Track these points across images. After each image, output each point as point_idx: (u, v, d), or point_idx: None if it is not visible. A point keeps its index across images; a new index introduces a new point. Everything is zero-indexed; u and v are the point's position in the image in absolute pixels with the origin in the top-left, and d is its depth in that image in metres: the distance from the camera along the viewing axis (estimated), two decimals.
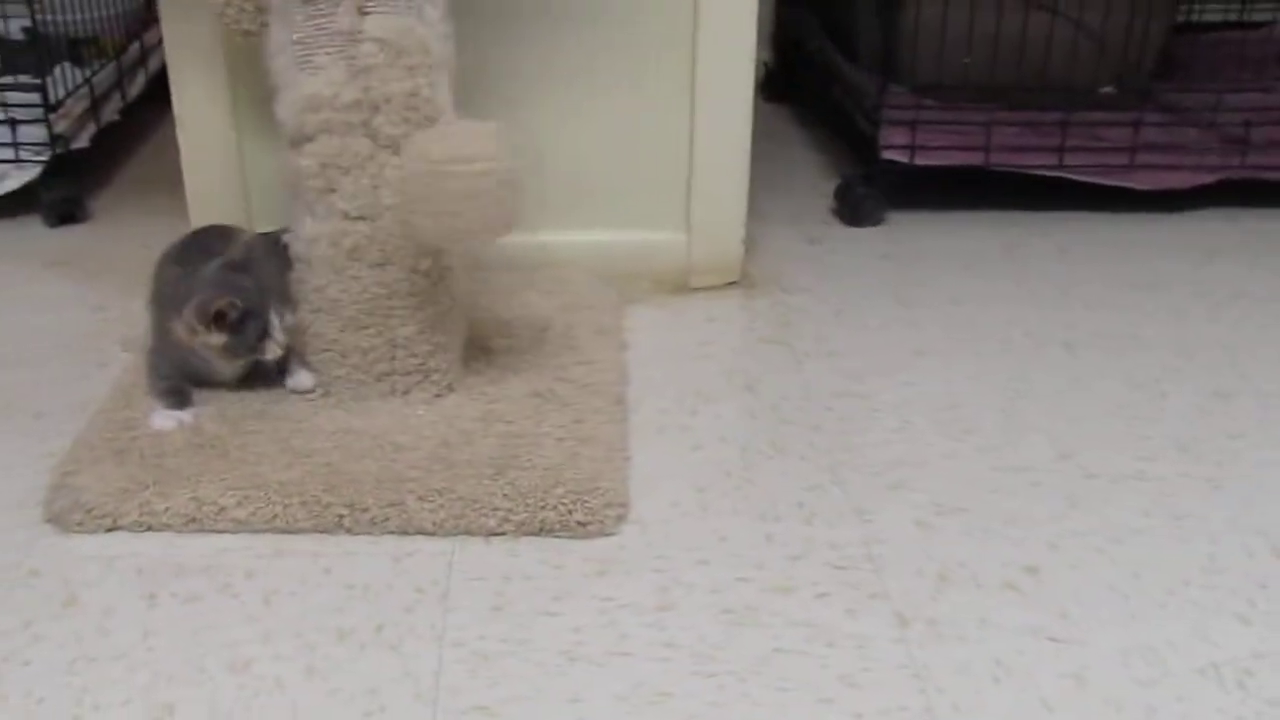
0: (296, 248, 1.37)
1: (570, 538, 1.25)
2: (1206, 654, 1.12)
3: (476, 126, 1.27)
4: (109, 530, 1.24)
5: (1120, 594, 1.19)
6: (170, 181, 1.72)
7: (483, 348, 1.53)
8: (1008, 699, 1.06)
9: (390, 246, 1.33)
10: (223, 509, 1.24)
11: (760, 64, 2.57)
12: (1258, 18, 2.56)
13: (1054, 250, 1.94)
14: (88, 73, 2.14)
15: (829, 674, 1.09)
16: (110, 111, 2.18)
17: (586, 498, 1.26)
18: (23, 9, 2.05)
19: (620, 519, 1.27)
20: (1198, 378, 1.58)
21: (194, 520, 1.24)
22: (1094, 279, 1.85)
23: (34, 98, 1.95)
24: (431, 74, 1.28)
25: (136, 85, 2.31)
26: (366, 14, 1.25)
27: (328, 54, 1.26)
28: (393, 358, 1.40)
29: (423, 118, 1.28)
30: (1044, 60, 2.03)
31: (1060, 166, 2.00)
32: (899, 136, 2.00)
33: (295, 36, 1.27)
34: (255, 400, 1.41)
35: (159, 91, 2.29)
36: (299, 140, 1.30)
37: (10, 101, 1.95)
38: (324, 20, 1.25)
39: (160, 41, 2.35)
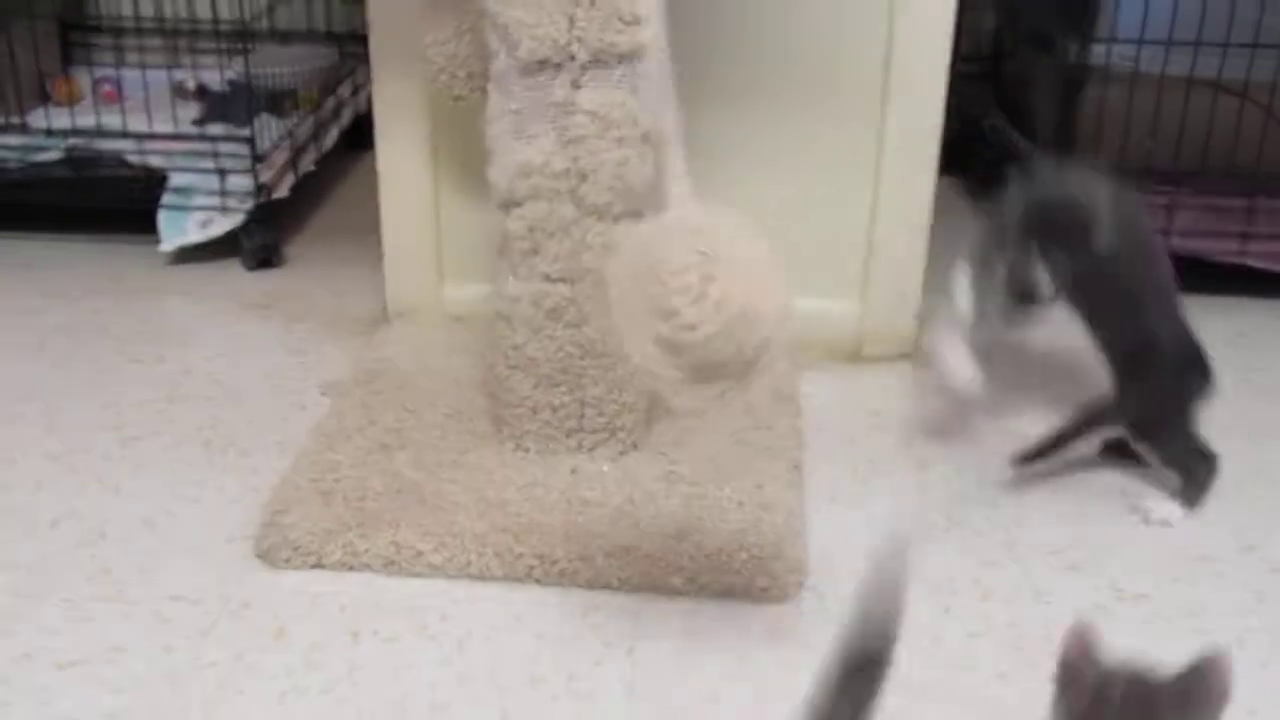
0: (499, 306, 1.43)
1: (751, 602, 1.28)
2: None
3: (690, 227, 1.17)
4: (314, 567, 1.30)
5: None
6: (359, 230, 1.81)
7: (664, 408, 1.57)
8: None
9: (588, 308, 1.38)
10: (420, 554, 1.30)
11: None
12: None
13: (1233, 335, 1.92)
14: (288, 124, 2.24)
15: None
16: (308, 162, 2.28)
17: (769, 564, 1.29)
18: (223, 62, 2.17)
19: (800, 586, 1.30)
20: None
21: (393, 563, 1.30)
22: (1273, 367, 1.83)
23: (242, 148, 2.05)
24: (640, 146, 1.33)
25: (331, 137, 2.42)
26: (580, 87, 1.31)
27: (541, 124, 1.32)
28: (582, 415, 1.44)
29: (626, 187, 1.33)
30: (1230, 144, 2.01)
31: (1243, 253, 1.98)
32: None
33: (512, 106, 1.33)
34: (450, 449, 1.46)
35: (351, 143, 2.41)
36: (508, 204, 1.36)
37: (220, 151, 2.06)
38: (540, 93, 1.31)
39: (353, 94, 2.48)
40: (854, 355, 1.81)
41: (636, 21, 1.28)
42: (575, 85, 1.31)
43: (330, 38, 2.62)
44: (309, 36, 2.58)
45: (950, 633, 1.25)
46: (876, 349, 1.82)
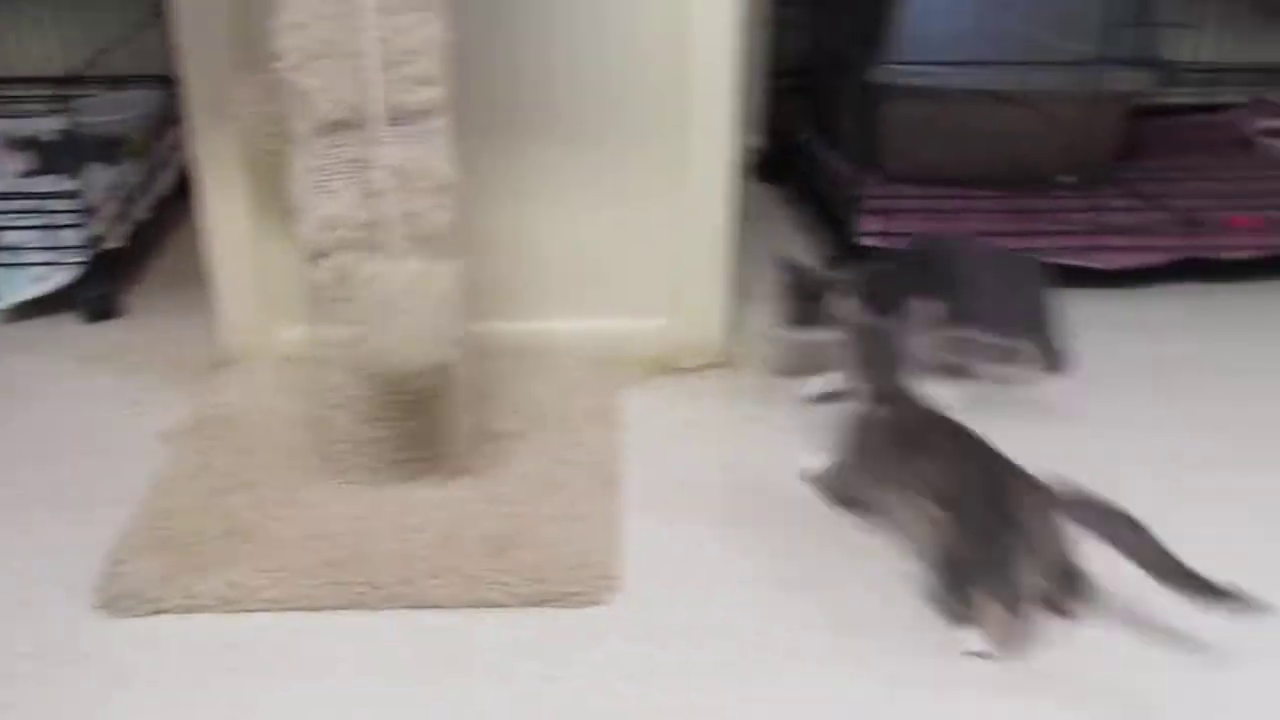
0: (317, 350, 1.52)
1: (566, 608, 1.39)
2: None
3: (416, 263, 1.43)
4: (155, 613, 1.38)
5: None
6: (198, 276, 1.87)
7: (487, 433, 1.67)
8: None
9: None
10: (255, 590, 1.38)
11: (755, 150, 2.75)
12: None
13: None
14: (120, 173, 2.29)
15: None
16: (142, 209, 2.33)
17: (580, 572, 1.40)
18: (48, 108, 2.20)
19: (612, 589, 1.41)
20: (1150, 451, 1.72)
21: (231, 601, 1.38)
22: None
23: (72, 202, 2.10)
24: (437, 196, 1.43)
25: (165, 183, 2.46)
26: (378, 144, 1.40)
27: (343, 179, 1.42)
28: (405, 446, 1.54)
29: (426, 235, 1.43)
30: (1010, 150, 2.18)
31: (1024, 249, 2.14)
32: (875, 223, 2.14)
33: (314, 164, 1.42)
34: (282, 488, 1.55)
35: (186, 189, 2.46)
36: (316, 255, 1.45)
37: (49, 206, 2.10)
38: (340, 150, 1.40)
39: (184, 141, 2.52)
40: (669, 368, 1.93)
41: (426, 82, 1.38)
42: (373, 142, 1.40)
43: (161, 81, 2.66)
44: (140, 81, 2.62)
45: (750, 625, 1.37)
46: (690, 360, 1.94)
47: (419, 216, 1.42)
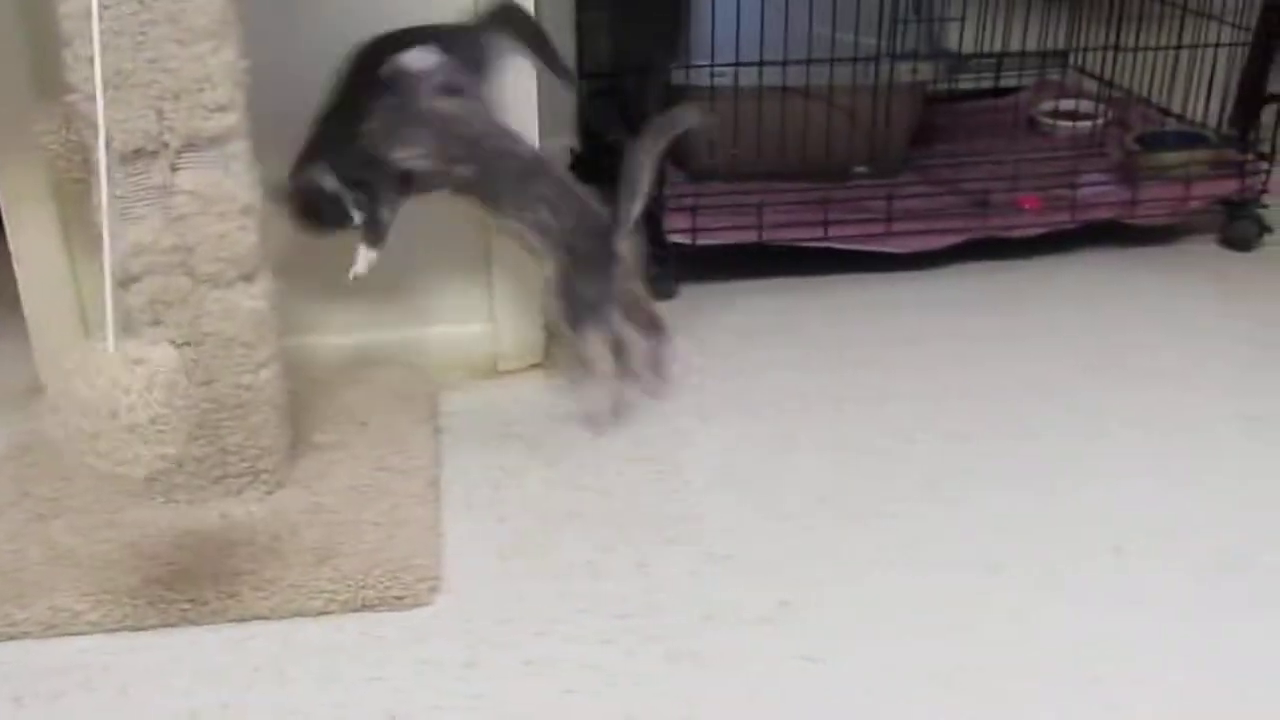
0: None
1: (390, 610, 1.44)
2: (927, 667, 1.35)
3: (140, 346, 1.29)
4: None
5: (863, 619, 1.42)
6: (7, 300, 1.86)
7: (309, 444, 1.71)
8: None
9: (214, 367, 1.51)
10: (78, 614, 1.40)
11: (569, 150, 2.81)
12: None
13: (826, 313, 2.19)
14: None
15: (612, 709, 1.29)
16: None
17: (401, 574, 1.45)
18: None
19: (433, 590, 1.46)
20: (942, 422, 1.83)
21: (53, 626, 1.40)
22: (860, 338, 2.10)
23: None
24: (240, 218, 1.46)
25: None
26: (178, 170, 1.43)
27: (146, 205, 1.44)
28: (225, 463, 1.57)
29: (233, 256, 1.47)
30: (805, 143, 2.28)
31: (826, 238, 2.25)
32: (681, 220, 2.23)
33: (117, 192, 1.44)
34: (104, 511, 1.57)
35: None
36: (127, 281, 1.47)
37: None
38: (141, 177, 1.43)
39: None
40: (490, 371, 1.99)
41: (220, 109, 1.42)
42: (173, 168, 1.43)
43: None
44: None
45: (563, 611, 1.44)
46: (510, 363, 2.00)
47: (224, 239, 1.46)
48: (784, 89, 2.24)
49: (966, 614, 1.43)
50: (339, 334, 1.95)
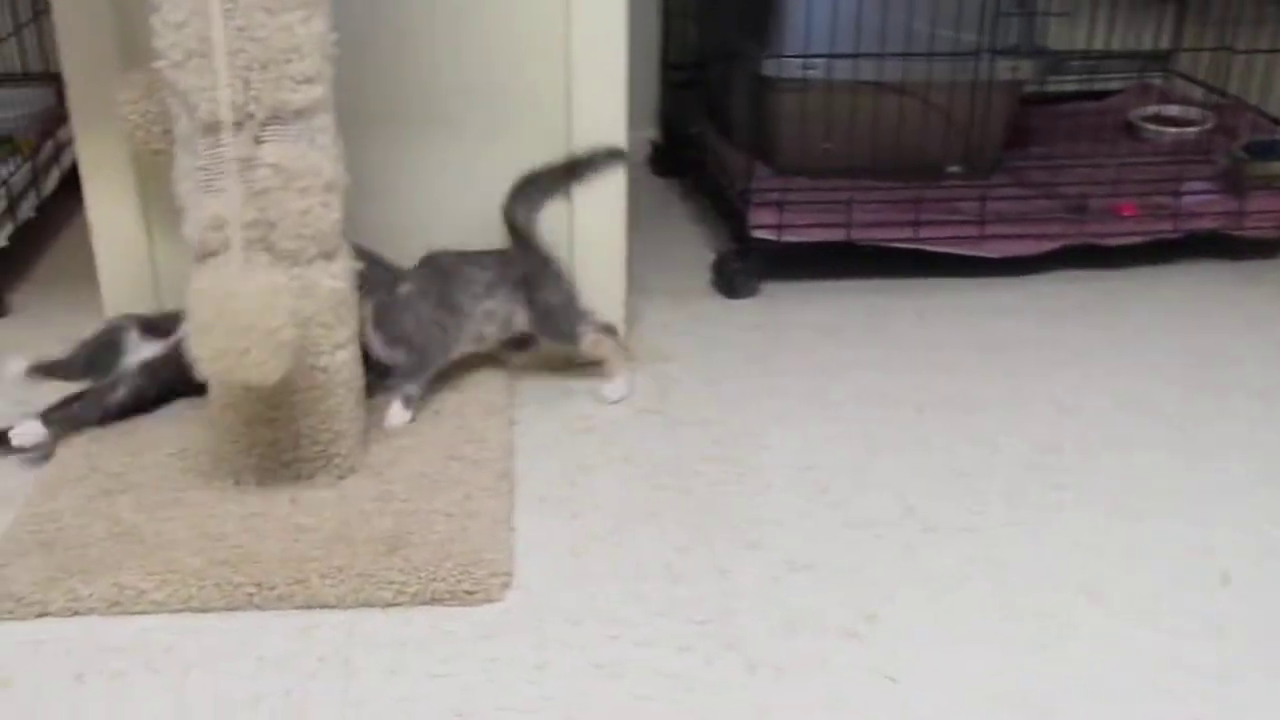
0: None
1: (460, 605, 1.40)
2: (1016, 689, 1.29)
3: (261, 271, 1.40)
4: (39, 616, 1.36)
5: (948, 636, 1.36)
6: (85, 276, 1.85)
7: (381, 431, 1.67)
8: None
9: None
10: (142, 592, 1.37)
11: (649, 142, 2.77)
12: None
13: (912, 316, 2.12)
14: (3, 172, 2.25)
15: (686, 717, 1.24)
16: (26, 209, 2.29)
17: (473, 569, 1.40)
18: None
19: (504, 586, 1.42)
20: (1029, 433, 1.76)
21: (116, 604, 1.37)
22: (947, 343, 2.03)
23: None
24: (323, 194, 1.42)
25: (51, 182, 2.43)
26: (262, 142, 1.39)
27: (227, 178, 1.40)
28: (296, 446, 1.54)
29: (314, 233, 1.43)
30: (897, 140, 2.21)
31: (916, 239, 2.18)
32: (767, 216, 2.17)
33: (199, 164, 1.41)
34: (171, 489, 1.54)
35: (72, 187, 2.42)
36: (203, 255, 1.44)
37: None
38: (223, 149, 1.39)
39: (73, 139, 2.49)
40: (566, 365, 1.94)
41: (308, 80, 1.38)
42: (257, 141, 1.39)
43: (48, 79, 2.62)
44: (25, 79, 2.58)
45: (638, 615, 1.39)
46: (585, 356, 1.95)
47: (306, 215, 1.42)
48: (879, 84, 2.17)
49: (1056, 639, 1.36)
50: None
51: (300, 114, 1.40)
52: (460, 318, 1.76)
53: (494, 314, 1.78)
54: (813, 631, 1.37)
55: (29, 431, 1.63)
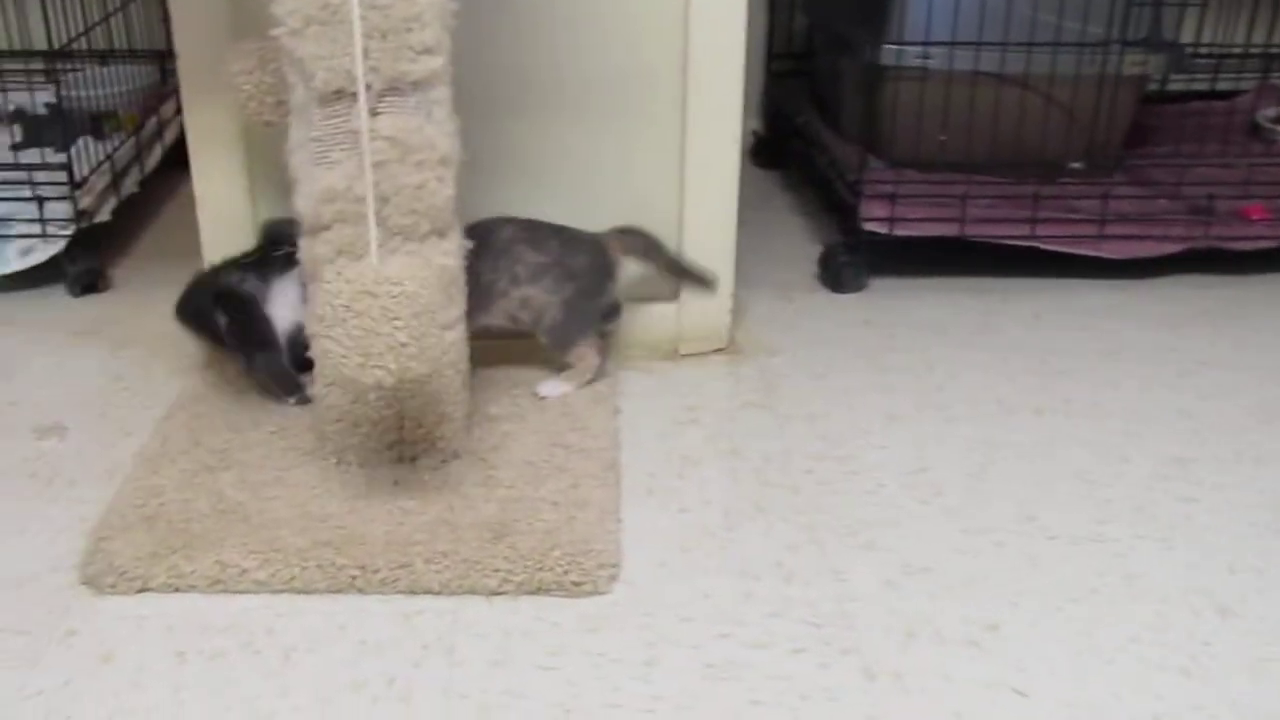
0: (312, 327, 1.48)
1: (566, 596, 1.35)
2: (1149, 707, 1.22)
3: (400, 258, 1.37)
4: (140, 591, 1.34)
5: (1074, 650, 1.29)
6: (186, 251, 1.83)
7: (485, 415, 1.63)
8: None
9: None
10: (245, 571, 1.34)
11: (750, 133, 2.71)
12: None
13: (1028, 317, 2.05)
14: (108, 147, 2.25)
15: None
16: (130, 184, 2.29)
17: (581, 559, 1.36)
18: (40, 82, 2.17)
19: (612, 579, 1.37)
20: (1157, 443, 1.68)
21: (218, 582, 1.34)
22: (1065, 347, 1.95)
23: (60, 174, 2.05)
24: (438, 169, 1.39)
25: (154, 158, 2.42)
26: (378, 114, 1.36)
27: (342, 150, 1.37)
28: (401, 427, 1.50)
29: (428, 208, 1.39)
30: (1017, 135, 2.14)
31: (1033, 237, 2.11)
32: (879, 208, 2.11)
33: (313, 135, 1.38)
34: (273, 468, 1.51)
35: (174, 163, 2.42)
36: (315, 229, 1.41)
37: (37, 178, 2.06)
38: (339, 120, 1.36)
39: (177, 113, 2.49)
40: (671, 353, 1.89)
41: (427, 51, 1.34)
42: (373, 113, 1.35)
43: (152, 56, 2.62)
44: (130, 56, 2.58)
45: (750, 614, 1.34)
46: (692, 346, 1.90)
47: (421, 190, 1.38)
48: (1000, 76, 2.10)
49: (1194, 660, 1.29)
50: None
51: (418, 85, 1.36)
52: (491, 295, 1.68)
53: (529, 301, 1.70)
54: (932, 640, 1.31)
55: None
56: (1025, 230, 2.11)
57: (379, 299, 1.29)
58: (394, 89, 1.35)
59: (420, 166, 1.37)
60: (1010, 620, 1.34)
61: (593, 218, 1.77)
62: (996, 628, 1.33)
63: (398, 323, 1.29)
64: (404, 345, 1.30)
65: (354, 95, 1.34)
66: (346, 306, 1.29)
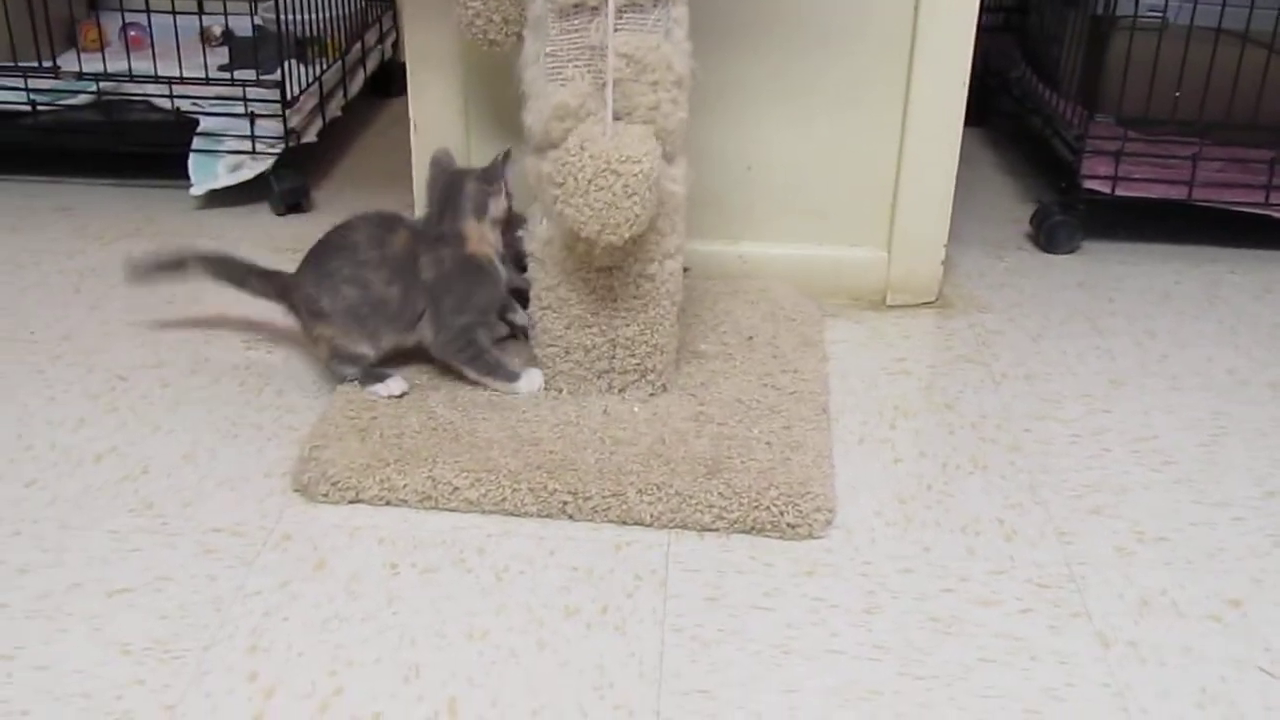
0: (530, 246, 1.45)
1: (780, 538, 1.31)
2: None
3: (634, 129, 1.33)
4: (351, 502, 1.33)
5: None
6: (386, 176, 1.82)
7: (693, 351, 1.59)
8: None
9: (617, 252, 1.40)
10: (456, 489, 1.32)
11: None
12: None
13: (1258, 289, 1.94)
14: (316, 70, 2.26)
15: (1032, 686, 1.13)
16: (335, 108, 2.30)
17: (798, 501, 1.31)
18: (248, 7, 2.18)
19: (828, 524, 1.32)
20: None
21: (429, 498, 1.33)
22: None
23: (272, 93, 2.07)
24: (673, 89, 1.34)
25: (357, 83, 2.43)
26: (617, 30, 1.32)
27: (577, 66, 1.34)
28: (613, 356, 1.47)
29: (661, 129, 1.35)
30: (1257, 97, 2.01)
31: (1266, 204, 1.99)
32: (1101, 167, 2.01)
33: (548, 50, 1.34)
34: (481, 391, 1.49)
35: (375, 90, 2.42)
36: (544, 146, 1.38)
37: (250, 96, 2.07)
38: (576, 35, 1.32)
39: (379, 41, 2.49)
40: (879, 303, 1.83)
41: None
42: (611, 29, 1.32)
43: None
44: None
45: (974, 570, 1.28)
46: (900, 297, 1.84)
47: (655, 111, 1.34)
48: (1245, 35, 1.98)
49: None
50: (728, 242, 1.83)
51: (659, 2, 1.31)
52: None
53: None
54: (1169, 611, 1.23)
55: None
56: (1259, 197, 1.99)
57: (621, 176, 1.29)
58: (634, 4, 1.31)
59: (655, 87, 1.33)
60: (1254, 597, 1.26)
61: (810, 154, 1.71)
62: (1239, 604, 1.24)
63: (635, 198, 1.30)
64: (639, 217, 1.32)
65: (594, 9, 1.31)
66: (590, 181, 1.30)
